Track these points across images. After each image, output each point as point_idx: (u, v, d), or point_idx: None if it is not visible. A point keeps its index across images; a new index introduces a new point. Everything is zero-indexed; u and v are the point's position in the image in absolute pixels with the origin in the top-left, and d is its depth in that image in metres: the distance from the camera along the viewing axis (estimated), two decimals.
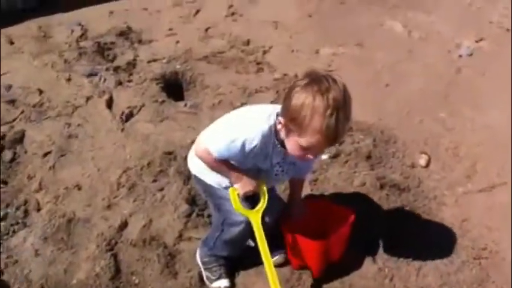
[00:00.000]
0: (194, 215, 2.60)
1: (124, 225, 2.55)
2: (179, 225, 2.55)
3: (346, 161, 2.90)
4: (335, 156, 2.93)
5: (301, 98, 1.80)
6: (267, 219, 2.19)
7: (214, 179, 2.18)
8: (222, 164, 2.06)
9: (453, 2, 4.55)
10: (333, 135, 1.81)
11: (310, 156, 1.92)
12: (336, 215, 2.34)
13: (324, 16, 4.38)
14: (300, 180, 2.33)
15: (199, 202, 2.65)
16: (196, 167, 2.20)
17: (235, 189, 2.10)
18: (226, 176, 2.12)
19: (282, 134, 1.93)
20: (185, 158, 2.79)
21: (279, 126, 1.93)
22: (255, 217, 2.12)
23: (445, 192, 2.79)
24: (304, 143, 1.85)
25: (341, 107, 1.77)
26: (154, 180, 2.78)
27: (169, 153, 2.92)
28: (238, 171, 2.08)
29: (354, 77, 3.64)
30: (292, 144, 1.90)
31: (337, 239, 2.30)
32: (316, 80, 1.80)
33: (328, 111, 1.76)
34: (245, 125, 1.98)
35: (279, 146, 1.98)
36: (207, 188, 2.21)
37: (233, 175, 2.09)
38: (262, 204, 2.13)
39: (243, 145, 1.95)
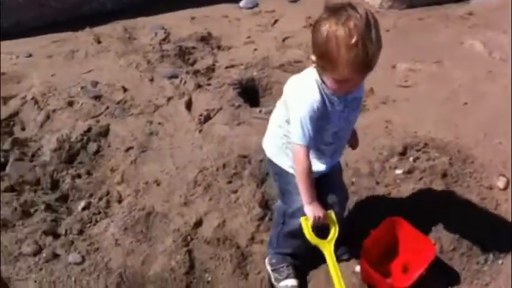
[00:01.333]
0: (267, 219, 2.64)
1: (199, 223, 2.63)
2: (252, 227, 2.61)
3: (421, 178, 2.87)
4: (409, 172, 2.90)
5: (324, 32, 1.84)
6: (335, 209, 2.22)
7: (286, 162, 2.24)
8: (308, 175, 2.09)
9: None
10: (363, 64, 1.84)
11: (351, 88, 1.97)
12: (418, 245, 2.34)
13: (401, 31, 4.35)
14: None
15: (272, 207, 2.70)
16: (271, 149, 2.30)
17: (307, 219, 2.12)
18: (302, 191, 2.13)
19: (320, 73, 1.97)
20: (260, 161, 2.89)
21: (313, 66, 1.97)
22: (328, 247, 2.14)
23: None
24: (338, 76, 1.89)
25: (365, 33, 1.79)
26: (229, 182, 2.85)
27: (244, 156, 2.99)
28: (314, 196, 2.11)
29: (431, 94, 3.62)
30: (330, 80, 1.94)
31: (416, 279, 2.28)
32: (336, 12, 1.84)
33: (353, 41, 1.78)
34: (299, 99, 2.03)
35: (329, 90, 2.00)
36: (278, 171, 2.28)
37: (309, 195, 2.11)
38: (334, 233, 2.15)
39: (311, 116, 2.00)
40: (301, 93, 2.05)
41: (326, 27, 1.84)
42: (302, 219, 2.13)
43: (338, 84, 1.95)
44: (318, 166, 2.22)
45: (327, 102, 2.04)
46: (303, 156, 2.07)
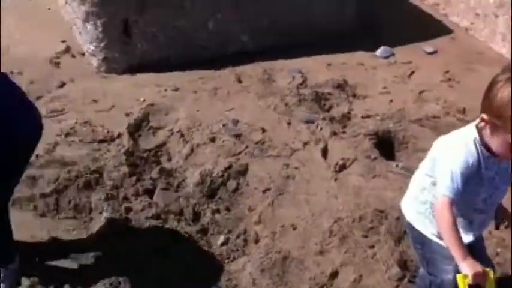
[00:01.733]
0: (406, 280, 2.58)
1: (335, 274, 2.63)
2: (389, 287, 2.56)
3: None
4: None
5: (506, 93, 1.83)
6: None
7: (429, 229, 2.17)
8: (455, 229, 1.99)
9: None
10: None
11: None
12: None
13: None
14: None
15: (411, 268, 2.64)
16: (411, 214, 2.23)
17: (465, 276, 1.97)
18: (453, 248, 2.04)
19: (486, 134, 1.95)
20: (397, 219, 2.84)
21: (481, 124, 1.94)
22: None
23: None
24: None
25: None
26: (365, 236, 2.83)
27: (381, 211, 2.96)
28: (466, 250, 2.01)
29: None
30: (500, 142, 1.93)
31: None
32: None
33: None
34: (452, 153, 2.00)
35: (486, 152, 1.98)
36: (421, 238, 2.20)
37: (461, 250, 2.00)
38: None
39: (463, 172, 1.96)
40: (456, 147, 2.01)
41: (508, 88, 1.84)
42: (459, 277, 1.96)
43: (506, 147, 1.92)
44: (465, 237, 2.14)
45: (482, 161, 2.00)
46: (447, 210, 1.97)
